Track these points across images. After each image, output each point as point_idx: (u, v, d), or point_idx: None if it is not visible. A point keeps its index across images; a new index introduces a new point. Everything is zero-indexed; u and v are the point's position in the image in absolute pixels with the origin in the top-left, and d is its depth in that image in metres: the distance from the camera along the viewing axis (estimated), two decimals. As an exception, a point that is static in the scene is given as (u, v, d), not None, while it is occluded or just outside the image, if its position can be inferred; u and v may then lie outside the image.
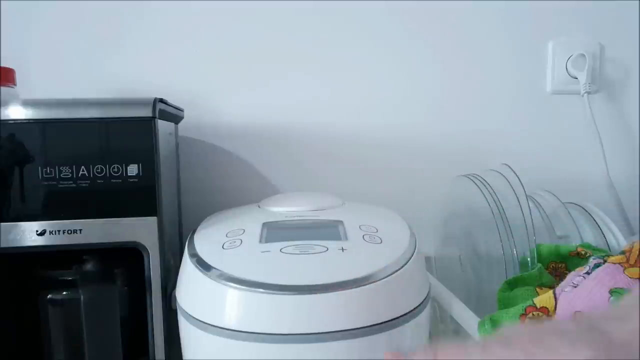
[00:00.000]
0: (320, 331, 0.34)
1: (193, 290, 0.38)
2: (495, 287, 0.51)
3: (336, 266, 0.36)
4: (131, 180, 0.42)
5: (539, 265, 0.47)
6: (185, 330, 0.38)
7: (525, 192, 0.55)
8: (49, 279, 0.45)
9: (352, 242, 0.39)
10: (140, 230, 0.43)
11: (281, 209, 0.48)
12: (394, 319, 0.36)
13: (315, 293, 0.34)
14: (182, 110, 0.56)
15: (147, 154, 0.42)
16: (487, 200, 0.56)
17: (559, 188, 0.63)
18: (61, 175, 0.42)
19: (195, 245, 0.42)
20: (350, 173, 0.69)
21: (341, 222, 0.44)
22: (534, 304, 0.40)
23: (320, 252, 0.38)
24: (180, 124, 0.59)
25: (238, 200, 0.65)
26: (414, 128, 0.69)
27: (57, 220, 0.42)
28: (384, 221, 0.46)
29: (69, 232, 0.42)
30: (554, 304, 0.40)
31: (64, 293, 0.44)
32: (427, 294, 0.41)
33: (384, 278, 0.36)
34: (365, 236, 0.41)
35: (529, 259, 0.50)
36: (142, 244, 0.43)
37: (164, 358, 0.45)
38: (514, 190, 0.55)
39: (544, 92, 0.71)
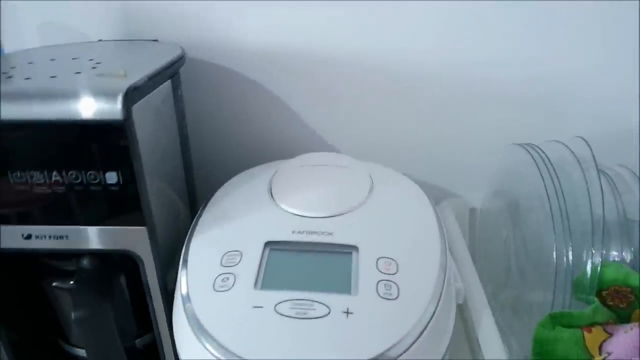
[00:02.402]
0: None
1: (178, 324, 0.35)
2: (539, 295, 0.45)
3: (335, 343, 0.31)
4: (112, 188, 0.36)
5: (596, 303, 0.39)
6: None
7: (601, 183, 0.43)
8: (54, 268, 0.43)
9: (361, 299, 0.33)
10: (130, 239, 0.38)
11: (292, 210, 0.40)
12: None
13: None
14: (182, 57, 0.45)
15: (125, 161, 0.35)
16: (545, 185, 0.45)
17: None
18: (33, 180, 0.36)
19: (189, 261, 0.38)
20: (390, 110, 0.57)
21: (356, 249, 0.37)
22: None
23: (321, 317, 0.32)
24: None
25: (253, 138, 0.58)
26: (470, 70, 0.54)
27: (40, 225, 0.38)
28: (409, 242, 0.38)
29: (55, 237, 0.38)
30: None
31: (70, 282, 0.43)
32: (450, 341, 0.36)
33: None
34: (379, 284, 0.34)
35: (588, 279, 0.42)
36: (135, 252, 0.39)
37: (169, 339, 0.45)
38: (585, 178, 0.43)
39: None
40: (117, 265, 0.42)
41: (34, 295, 0.45)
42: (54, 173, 0.36)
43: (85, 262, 0.41)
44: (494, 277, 0.55)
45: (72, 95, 0.34)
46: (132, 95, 0.34)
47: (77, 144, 0.35)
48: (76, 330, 0.38)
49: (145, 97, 0.38)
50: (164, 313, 0.42)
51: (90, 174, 0.36)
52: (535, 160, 0.45)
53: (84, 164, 0.35)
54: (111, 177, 0.36)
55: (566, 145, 0.46)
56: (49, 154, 0.35)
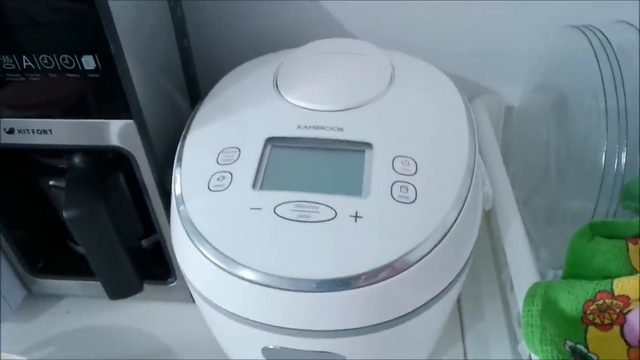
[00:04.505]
0: (303, 328, 0.28)
1: (174, 226, 0.32)
2: (578, 203, 0.40)
3: (340, 250, 0.27)
4: (90, 75, 0.32)
5: (647, 212, 0.34)
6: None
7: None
8: (52, 168, 0.40)
9: (372, 202, 0.29)
10: (118, 134, 0.34)
11: (298, 102, 0.35)
12: (416, 309, 0.29)
13: (300, 291, 0.27)
14: None
15: (100, 42, 0.30)
16: (601, 74, 0.38)
17: None
18: (3, 65, 0.32)
19: (183, 159, 0.34)
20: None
21: (370, 146, 0.32)
22: (611, 289, 0.30)
23: (325, 221, 0.28)
24: None
25: (261, 23, 0.50)
26: None
27: (21, 118, 0.34)
28: (433, 140, 0.33)
29: (39, 132, 0.35)
30: (641, 294, 0.30)
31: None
32: (471, 252, 0.32)
33: (402, 271, 0.27)
34: (394, 186, 0.30)
35: None
36: (125, 148, 0.35)
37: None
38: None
39: None
40: (112, 163, 0.39)
41: (38, 197, 0.43)
42: (24, 57, 0.31)
43: (76, 159, 0.38)
44: (527, 183, 0.50)
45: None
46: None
47: (43, 21, 0.30)
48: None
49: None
50: (164, 213, 0.40)
51: (63, 58, 0.31)
52: (592, 45, 0.38)
53: (54, 46, 0.31)
54: (88, 62, 0.31)
55: (634, 27, 0.38)
56: (15, 34, 0.30)
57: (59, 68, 0.31)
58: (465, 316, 0.43)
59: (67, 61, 0.31)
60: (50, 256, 0.47)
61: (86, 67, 0.31)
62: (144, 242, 0.45)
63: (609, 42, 0.38)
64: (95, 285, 0.45)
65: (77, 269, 0.45)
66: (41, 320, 0.46)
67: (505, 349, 0.40)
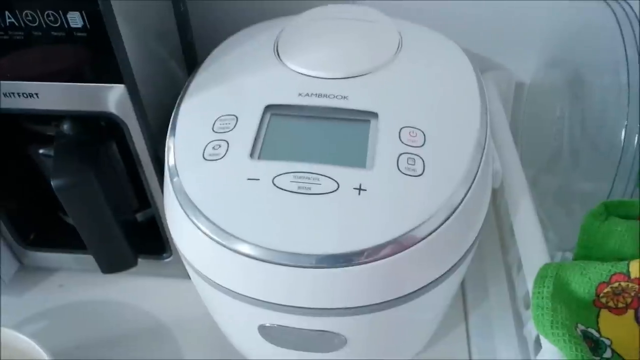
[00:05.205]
0: (302, 306, 0.26)
1: (167, 198, 0.31)
2: (591, 184, 0.38)
3: (342, 224, 0.26)
4: (78, 34, 0.30)
5: (666, 191, 0.32)
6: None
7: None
8: (41, 135, 0.38)
9: (377, 174, 0.27)
10: (108, 99, 0.32)
11: (300, 69, 0.33)
12: (420, 289, 0.27)
13: (300, 267, 0.25)
14: None
15: (88, -1, 0.28)
16: (625, 47, 0.35)
17: None
18: (-16, 22, 0.30)
19: (177, 127, 0.32)
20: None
21: (375, 116, 0.30)
22: (627, 271, 0.29)
23: (327, 193, 0.26)
24: None
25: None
26: None
27: (6, 80, 0.32)
28: (442, 111, 0.31)
29: (25, 95, 0.33)
30: (658, 277, 0.28)
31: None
32: (479, 230, 0.30)
33: (408, 248, 0.25)
34: (401, 158, 0.28)
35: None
36: (116, 114, 0.33)
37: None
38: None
39: None
40: (105, 132, 0.38)
41: (28, 166, 0.41)
42: (7, 14, 0.29)
43: (66, 126, 0.36)
44: (537, 161, 0.48)
45: None
46: None
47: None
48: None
49: None
50: (159, 186, 0.38)
51: (48, 15, 0.29)
52: (615, 14, 0.35)
53: (38, 1, 0.28)
54: (74, 19, 0.29)
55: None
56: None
57: (44, 26, 0.29)
58: (469, 297, 0.42)
59: (52, 18, 0.29)
60: (42, 228, 0.45)
61: (72, 25, 0.29)
62: (139, 216, 0.44)
63: (633, 11, 0.35)
64: (89, 259, 0.43)
65: (70, 241, 0.44)
66: (34, 294, 0.45)
67: (510, 333, 0.39)
